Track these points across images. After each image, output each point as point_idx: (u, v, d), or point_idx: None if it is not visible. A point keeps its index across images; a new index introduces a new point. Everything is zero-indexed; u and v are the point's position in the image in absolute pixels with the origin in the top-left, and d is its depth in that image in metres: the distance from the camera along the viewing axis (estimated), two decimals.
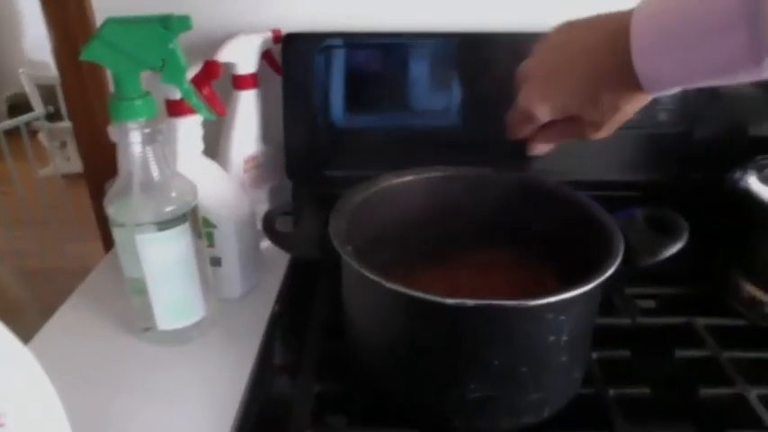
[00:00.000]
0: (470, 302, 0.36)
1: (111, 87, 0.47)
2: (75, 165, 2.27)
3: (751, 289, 0.55)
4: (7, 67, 2.89)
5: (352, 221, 0.46)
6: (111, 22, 0.45)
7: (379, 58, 0.65)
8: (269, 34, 0.66)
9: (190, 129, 0.56)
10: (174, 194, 0.50)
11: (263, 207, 0.63)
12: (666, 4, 0.38)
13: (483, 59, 0.65)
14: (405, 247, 0.53)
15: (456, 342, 0.39)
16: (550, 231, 0.50)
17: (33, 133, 2.22)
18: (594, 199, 0.49)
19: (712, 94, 0.63)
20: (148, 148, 0.48)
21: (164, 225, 0.49)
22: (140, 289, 0.51)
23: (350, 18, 0.71)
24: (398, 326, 0.43)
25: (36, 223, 1.86)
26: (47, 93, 2.49)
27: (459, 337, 0.39)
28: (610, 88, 0.43)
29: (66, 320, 0.58)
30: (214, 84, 0.56)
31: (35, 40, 2.87)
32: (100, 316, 0.58)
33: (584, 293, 0.38)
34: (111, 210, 0.50)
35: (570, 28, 0.46)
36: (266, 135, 0.68)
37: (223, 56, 0.61)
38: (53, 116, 2.29)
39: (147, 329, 0.54)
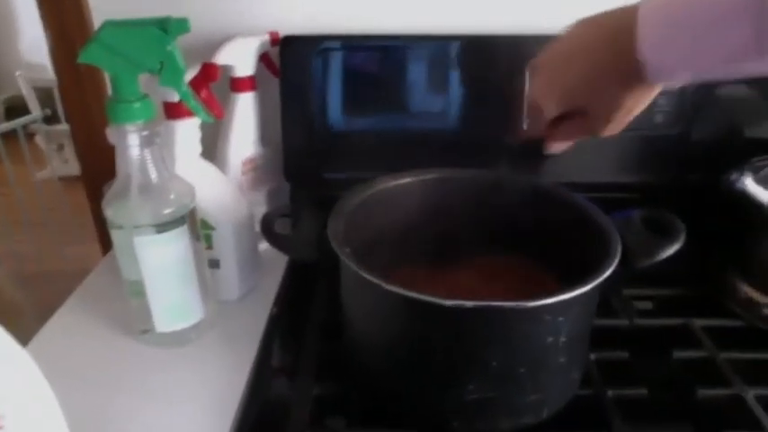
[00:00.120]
0: (469, 304, 0.37)
1: (109, 90, 0.47)
2: (73, 167, 2.26)
3: (748, 290, 0.55)
4: (4, 70, 2.89)
5: (349, 224, 0.46)
6: (109, 24, 0.45)
7: (376, 61, 0.66)
8: (266, 37, 0.66)
9: (188, 131, 0.56)
10: (172, 197, 0.50)
11: (260, 209, 0.63)
12: None
13: (480, 62, 0.65)
14: (403, 249, 0.53)
15: (454, 343, 0.39)
16: (548, 233, 0.50)
17: (30, 136, 2.22)
18: (592, 201, 0.49)
19: (709, 96, 0.64)
20: (146, 151, 0.48)
21: (162, 227, 0.49)
22: (139, 291, 0.51)
23: (347, 20, 0.71)
24: (397, 327, 0.43)
25: (33, 226, 1.85)
26: (44, 95, 2.49)
27: (457, 338, 0.39)
28: (613, 81, 0.43)
29: (65, 322, 0.58)
30: (212, 86, 0.56)
31: (32, 42, 2.86)
32: (98, 318, 0.58)
33: (582, 294, 0.38)
34: (110, 212, 0.50)
35: (581, 23, 0.47)
36: (264, 137, 0.68)
37: (221, 58, 0.61)
38: (50, 119, 2.28)
39: (145, 331, 0.54)
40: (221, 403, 0.47)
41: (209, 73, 0.57)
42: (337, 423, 0.45)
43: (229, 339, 0.55)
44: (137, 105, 0.46)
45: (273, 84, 0.67)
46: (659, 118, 0.64)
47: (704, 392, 0.47)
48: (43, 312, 0.61)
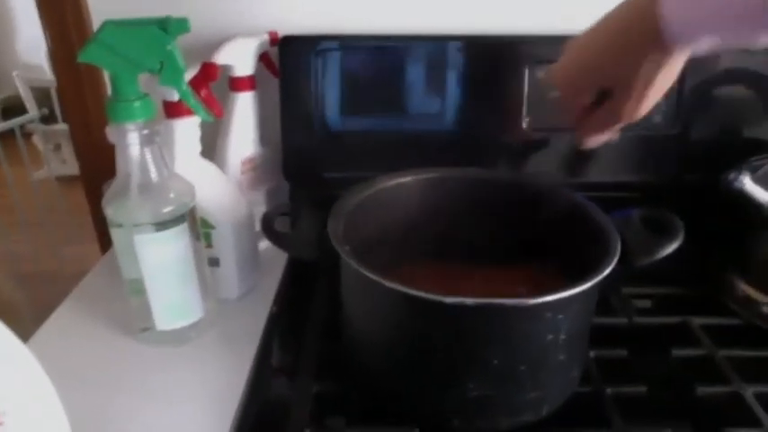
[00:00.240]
0: (470, 301, 0.37)
1: (108, 89, 0.48)
2: (70, 167, 2.26)
3: (746, 288, 0.55)
4: (1, 70, 2.88)
5: (349, 223, 0.46)
6: (109, 24, 0.45)
7: (376, 61, 0.66)
8: (266, 36, 0.66)
9: (187, 130, 0.56)
10: (172, 195, 0.50)
11: (260, 209, 0.63)
12: None
13: (481, 62, 0.65)
14: (402, 248, 0.53)
15: (455, 341, 0.39)
16: (548, 231, 0.50)
17: (27, 136, 2.21)
18: (591, 200, 0.49)
19: (707, 96, 0.64)
20: (146, 150, 0.48)
21: (162, 226, 0.49)
22: (139, 289, 0.51)
23: (347, 20, 0.71)
24: (397, 325, 0.43)
25: (30, 226, 1.85)
26: (41, 95, 2.48)
27: (458, 336, 0.39)
28: (635, 48, 0.42)
29: (63, 322, 0.58)
30: (211, 86, 0.56)
31: (29, 42, 2.86)
32: (97, 318, 0.58)
33: (582, 292, 0.38)
34: (110, 210, 0.50)
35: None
36: (263, 137, 0.68)
37: (220, 58, 0.61)
38: (47, 118, 2.27)
39: (145, 330, 0.54)
40: (221, 403, 0.47)
41: (208, 72, 0.57)
42: (337, 422, 0.45)
43: (229, 338, 0.55)
44: (137, 104, 0.46)
45: (273, 83, 0.67)
46: (658, 118, 0.64)
47: (703, 390, 0.47)
48: (40, 313, 0.60)
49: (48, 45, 0.77)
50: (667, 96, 0.43)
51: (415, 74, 0.66)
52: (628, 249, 0.43)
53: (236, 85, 0.64)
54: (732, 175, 0.58)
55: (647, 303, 0.59)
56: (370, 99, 0.67)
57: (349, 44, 0.66)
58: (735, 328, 0.55)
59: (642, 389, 0.47)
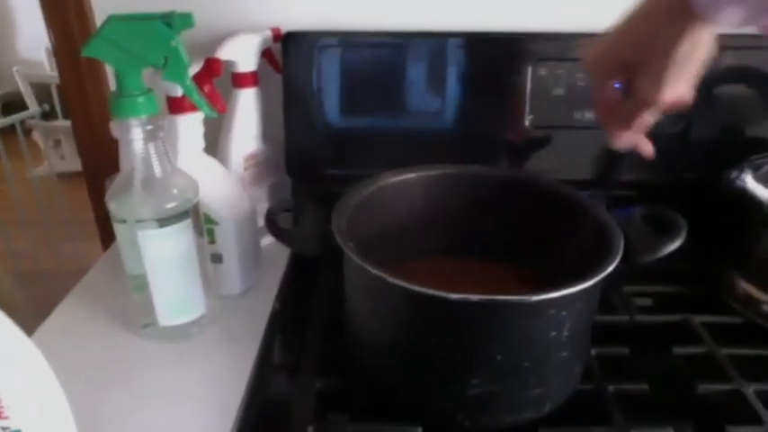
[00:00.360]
0: (474, 297, 0.37)
1: (111, 85, 0.48)
2: (70, 163, 2.26)
3: (747, 287, 0.55)
4: (1, 66, 2.88)
5: (351, 219, 0.46)
6: (113, 19, 0.45)
7: (379, 57, 0.66)
8: (269, 33, 0.66)
9: (191, 126, 0.56)
10: (175, 191, 0.50)
11: (262, 205, 0.63)
12: None
13: (484, 59, 0.65)
14: (404, 245, 0.53)
15: (459, 337, 0.40)
16: (550, 229, 0.50)
17: (27, 132, 2.20)
18: (593, 198, 0.49)
19: (709, 95, 0.64)
20: (150, 145, 0.48)
21: (165, 221, 0.49)
22: (141, 285, 0.51)
23: (350, 17, 0.71)
24: (401, 321, 0.43)
25: (30, 222, 1.84)
26: (41, 91, 2.48)
27: (461, 332, 0.39)
28: (661, 22, 0.41)
29: (64, 319, 0.58)
30: (215, 81, 0.56)
31: (29, 38, 2.86)
32: (98, 314, 0.58)
33: (586, 290, 0.39)
34: (113, 206, 0.50)
35: None
36: (266, 133, 0.68)
37: (223, 54, 0.61)
38: (48, 115, 2.27)
39: (147, 325, 0.54)
40: (223, 399, 0.47)
41: (212, 68, 0.57)
42: (340, 418, 0.45)
43: (231, 334, 0.55)
44: (140, 100, 0.47)
45: (276, 79, 0.67)
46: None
47: (704, 388, 0.47)
48: (40, 310, 0.60)
49: (50, 41, 0.76)
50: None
51: (419, 71, 0.66)
52: (630, 247, 0.43)
53: (239, 81, 0.64)
54: (733, 174, 0.58)
55: (648, 301, 0.59)
56: (373, 96, 0.67)
57: (352, 40, 0.66)
58: (736, 327, 0.55)
59: (644, 386, 0.47)
